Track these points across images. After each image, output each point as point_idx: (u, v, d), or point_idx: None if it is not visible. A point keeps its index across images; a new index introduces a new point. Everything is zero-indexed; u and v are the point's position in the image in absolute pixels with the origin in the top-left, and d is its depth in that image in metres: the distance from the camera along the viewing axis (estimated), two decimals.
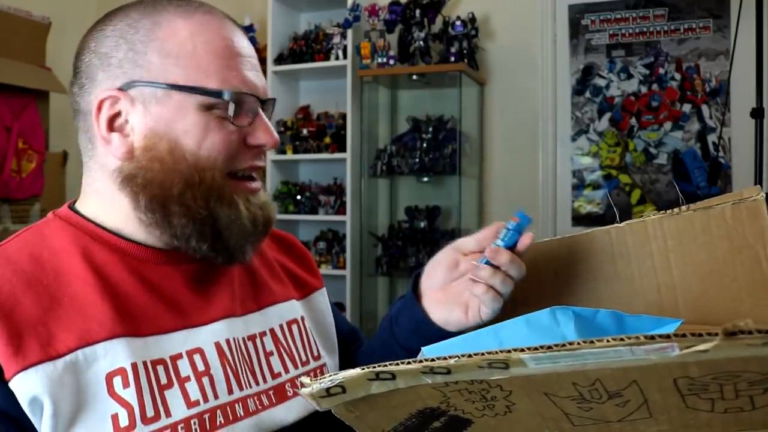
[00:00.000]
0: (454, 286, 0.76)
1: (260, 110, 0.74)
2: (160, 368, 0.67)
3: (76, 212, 0.74)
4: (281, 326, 0.81)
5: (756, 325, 0.37)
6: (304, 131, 3.18)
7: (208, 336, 0.72)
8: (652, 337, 0.40)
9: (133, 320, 0.67)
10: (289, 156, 3.19)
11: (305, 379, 0.52)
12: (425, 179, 3.11)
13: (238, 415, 0.70)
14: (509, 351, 0.44)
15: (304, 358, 0.81)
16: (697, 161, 2.87)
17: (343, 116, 3.14)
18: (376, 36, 2.99)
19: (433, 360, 0.47)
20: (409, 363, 0.48)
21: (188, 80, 0.69)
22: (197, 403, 0.68)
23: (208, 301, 0.74)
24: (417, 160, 2.99)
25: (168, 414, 0.65)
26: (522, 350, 0.44)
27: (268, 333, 0.79)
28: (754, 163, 2.10)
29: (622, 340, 0.41)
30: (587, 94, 3.02)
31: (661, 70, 2.92)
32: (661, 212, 0.70)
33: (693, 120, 2.88)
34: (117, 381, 0.63)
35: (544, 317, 0.61)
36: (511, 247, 0.72)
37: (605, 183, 2.99)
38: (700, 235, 0.69)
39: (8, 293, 0.63)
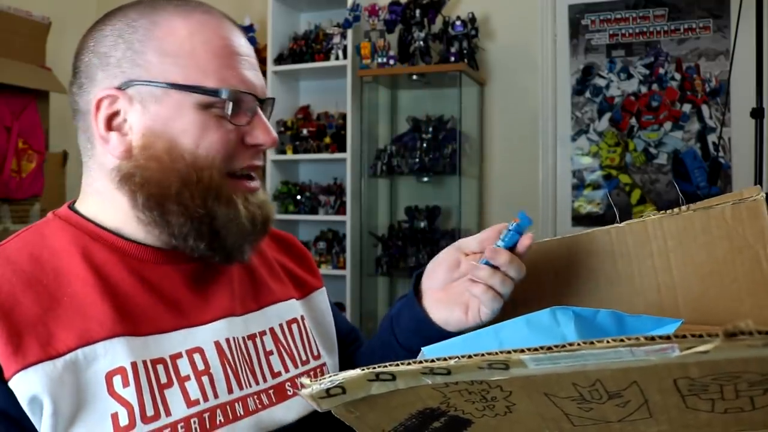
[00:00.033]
0: (454, 286, 0.76)
1: (258, 109, 0.74)
2: (160, 367, 0.67)
3: (76, 212, 0.74)
4: (281, 326, 0.81)
5: (756, 326, 0.37)
6: (304, 131, 3.18)
7: (208, 335, 0.72)
8: (653, 338, 0.40)
9: (133, 320, 0.67)
10: (289, 156, 3.19)
11: (305, 380, 0.52)
12: (425, 179, 3.11)
13: (238, 414, 0.71)
14: (509, 352, 0.44)
15: (304, 358, 0.81)
16: (697, 161, 2.87)
17: (343, 116, 3.14)
18: (376, 36, 2.99)
19: (433, 361, 0.47)
20: (409, 364, 0.48)
21: (186, 79, 0.69)
22: (197, 402, 0.68)
23: (208, 300, 0.74)
24: (417, 160, 2.99)
25: (168, 413, 0.65)
26: (522, 351, 0.44)
27: (267, 332, 0.79)
28: (754, 163, 2.10)
29: (622, 341, 0.41)
30: (587, 94, 3.02)
31: (661, 70, 2.92)
32: (662, 212, 0.70)
33: (693, 120, 2.88)
34: (117, 380, 0.63)
35: (545, 317, 0.61)
36: (511, 248, 0.72)
37: (605, 183, 2.99)
38: (700, 235, 0.69)
39: (8, 293, 0.63)
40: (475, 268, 0.73)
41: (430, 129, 3.01)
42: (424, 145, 3.00)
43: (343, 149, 3.09)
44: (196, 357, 0.70)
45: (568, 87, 3.04)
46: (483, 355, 0.45)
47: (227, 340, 0.73)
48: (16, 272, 0.66)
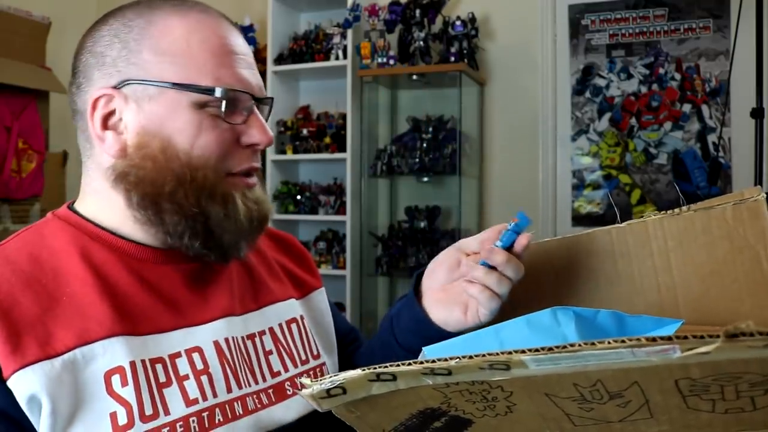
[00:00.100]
0: (454, 286, 0.76)
1: (255, 108, 0.74)
2: (159, 367, 0.67)
3: (75, 212, 0.74)
4: (280, 325, 0.81)
5: (757, 327, 0.37)
6: (304, 131, 3.18)
7: (207, 335, 0.72)
8: (654, 339, 0.40)
9: (132, 319, 0.67)
10: (289, 156, 3.19)
11: (305, 380, 0.52)
12: (425, 179, 3.11)
13: (237, 414, 0.71)
14: (510, 352, 0.44)
15: (303, 357, 0.81)
16: (697, 161, 2.87)
17: (343, 116, 3.14)
18: (376, 36, 2.99)
19: (433, 361, 0.47)
20: (409, 364, 0.48)
21: (181, 78, 0.69)
22: (196, 401, 0.68)
23: (207, 300, 0.74)
24: (417, 160, 2.99)
25: (167, 412, 0.65)
26: (523, 352, 0.44)
27: (267, 332, 0.79)
28: (754, 163, 2.10)
29: (623, 341, 0.41)
30: (587, 94, 3.02)
31: (661, 70, 2.92)
32: (662, 212, 0.70)
33: (693, 120, 2.88)
34: (115, 379, 0.63)
35: (545, 317, 0.61)
36: (509, 248, 0.72)
37: (605, 183, 2.99)
38: (700, 235, 0.69)
39: (7, 293, 0.63)
40: (471, 269, 0.73)
41: (430, 129, 3.01)
42: (424, 145, 3.00)
43: (343, 149, 3.09)
44: (195, 356, 0.70)
45: (568, 87, 3.04)
46: (484, 355, 0.45)
47: (226, 340, 0.73)
48: (16, 272, 0.66)
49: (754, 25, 2.12)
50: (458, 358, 0.46)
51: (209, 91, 0.69)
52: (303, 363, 0.81)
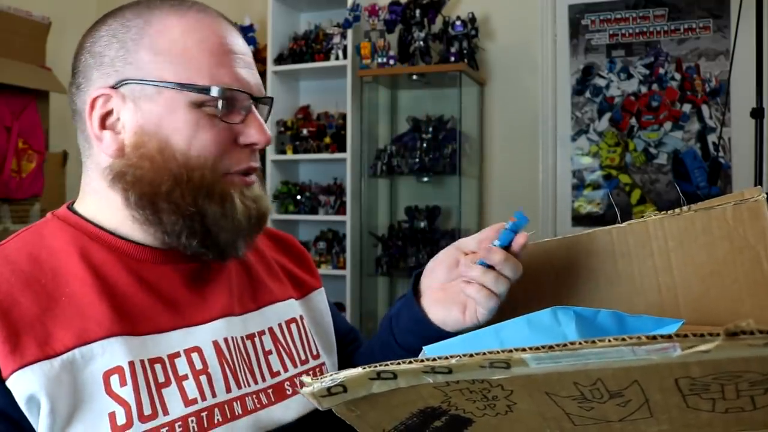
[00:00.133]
0: (453, 285, 0.76)
1: (253, 108, 0.73)
2: (158, 367, 0.67)
3: (75, 212, 0.74)
4: (280, 325, 0.81)
5: (757, 326, 0.37)
6: (304, 131, 3.18)
7: (207, 335, 0.72)
8: (654, 338, 0.40)
9: (131, 319, 0.67)
10: (289, 156, 3.19)
11: (306, 379, 0.52)
12: (425, 179, 3.11)
13: (236, 414, 0.70)
14: (511, 351, 0.44)
15: (303, 357, 0.81)
16: (697, 161, 2.87)
17: (343, 116, 3.14)
18: (376, 36, 2.99)
19: (434, 359, 0.47)
20: (410, 362, 0.48)
21: (178, 77, 0.69)
22: (195, 401, 0.68)
23: (206, 300, 0.74)
24: (417, 160, 2.99)
25: (165, 412, 0.65)
26: (523, 350, 0.44)
27: (266, 332, 0.79)
28: (754, 163, 2.10)
29: (623, 340, 0.41)
30: (587, 94, 3.02)
31: (661, 70, 2.92)
32: (662, 212, 0.70)
33: (693, 120, 2.88)
34: (114, 379, 0.63)
35: (546, 317, 0.61)
36: (507, 247, 0.72)
37: (605, 183, 2.99)
38: (701, 235, 0.69)
39: (6, 293, 0.64)
40: (469, 268, 0.73)
41: (430, 129, 3.01)
42: (424, 145, 3.00)
43: (343, 149, 3.09)
44: (194, 356, 0.70)
45: (568, 87, 3.04)
46: (484, 353, 0.45)
47: (225, 340, 0.73)
48: (15, 272, 0.66)
49: (754, 25, 2.12)
50: (459, 356, 0.46)
51: (206, 90, 0.69)
52: (302, 363, 0.81)
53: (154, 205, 0.69)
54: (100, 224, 0.72)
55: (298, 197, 3.22)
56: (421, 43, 2.94)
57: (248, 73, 0.73)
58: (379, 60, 2.97)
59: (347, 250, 3.06)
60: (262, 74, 3.17)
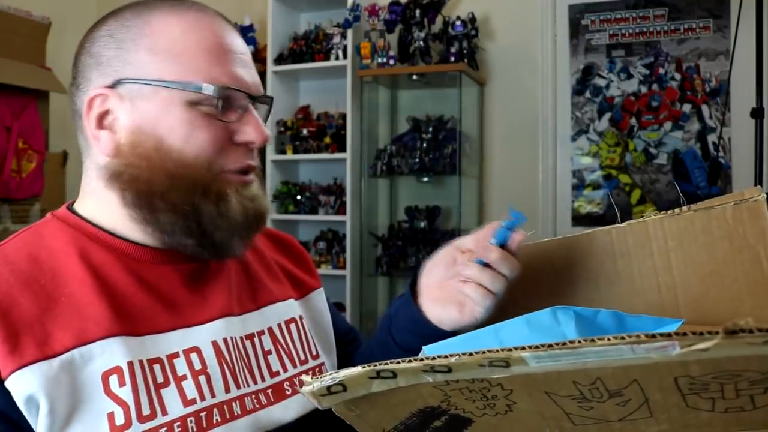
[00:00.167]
0: (450, 284, 0.75)
1: (251, 107, 0.73)
2: (157, 367, 0.67)
3: (74, 213, 0.74)
4: (279, 325, 0.81)
5: (757, 324, 0.37)
6: (304, 131, 3.19)
7: (206, 335, 0.72)
8: (653, 336, 0.40)
9: (130, 320, 0.67)
10: (289, 156, 3.19)
11: (306, 378, 0.52)
12: (425, 179, 3.11)
13: (235, 414, 0.70)
14: (510, 349, 0.44)
15: (302, 357, 0.81)
16: (697, 161, 2.87)
17: (343, 116, 3.14)
18: (376, 36, 2.99)
19: (434, 358, 0.47)
20: (410, 361, 0.48)
21: (175, 76, 0.69)
22: (194, 401, 0.68)
23: (206, 300, 0.74)
24: (417, 160, 2.99)
25: (164, 412, 0.65)
26: (523, 348, 0.44)
27: (266, 332, 0.79)
28: (754, 163, 2.10)
29: (623, 338, 0.41)
30: (587, 94, 3.02)
31: (661, 70, 2.92)
32: (662, 212, 0.70)
33: (693, 120, 2.88)
34: (113, 379, 0.63)
35: (545, 317, 0.61)
36: (504, 245, 0.72)
37: (605, 183, 2.99)
38: (700, 235, 0.69)
39: (5, 293, 0.64)
40: (465, 267, 0.73)
41: (430, 129, 3.01)
42: (424, 145, 3.00)
43: (343, 149, 3.09)
44: (193, 357, 0.70)
45: (568, 87, 3.04)
46: (484, 352, 0.45)
47: (225, 340, 0.73)
48: (15, 272, 0.66)
49: (754, 25, 2.12)
50: (458, 355, 0.46)
51: (202, 89, 0.69)
52: (302, 363, 0.81)
53: (150, 204, 0.69)
54: (100, 224, 0.72)
55: (298, 197, 3.22)
56: (421, 43, 2.94)
57: (245, 72, 0.73)
58: (379, 60, 2.97)
59: (347, 250, 3.06)
60: (262, 74, 3.17)
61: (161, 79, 0.69)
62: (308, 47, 3.17)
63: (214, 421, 0.68)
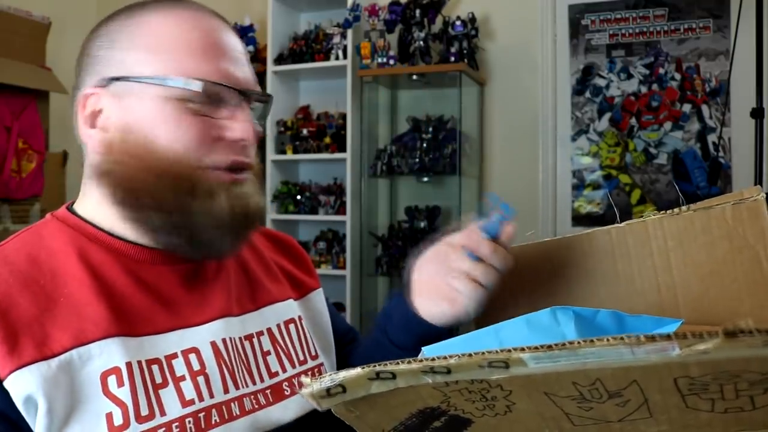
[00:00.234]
0: (442, 279, 0.75)
1: (243, 104, 0.72)
2: (155, 367, 0.67)
3: (74, 213, 0.74)
4: (278, 326, 0.81)
5: (756, 325, 0.37)
6: (304, 131, 3.19)
7: (204, 335, 0.72)
8: (653, 337, 0.40)
9: (129, 320, 0.67)
10: (289, 156, 3.19)
11: (305, 379, 0.52)
12: (425, 179, 3.11)
13: (234, 414, 0.70)
14: (509, 350, 0.44)
15: (301, 358, 0.81)
16: (697, 161, 2.87)
17: (343, 116, 3.14)
18: (376, 36, 2.99)
19: (433, 359, 0.47)
20: (409, 362, 0.48)
21: (163, 73, 0.69)
22: (192, 402, 0.67)
23: (204, 300, 0.74)
24: (417, 160, 2.99)
25: (162, 413, 0.65)
26: (522, 349, 0.44)
27: (265, 332, 0.79)
28: (754, 163, 2.10)
29: (622, 339, 0.41)
30: (587, 94, 3.02)
31: (661, 70, 2.92)
32: (662, 212, 0.70)
33: (693, 120, 2.88)
34: (111, 380, 0.63)
35: (545, 317, 0.61)
36: (495, 238, 0.72)
37: (605, 183, 2.99)
38: (700, 235, 0.69)
39: (4, 293, 0.64)
40: (456, 262, 0.73)
41: (430, 129, 3.01)
42: (424, 145, 3.00)
43: (343, 149, 3.09)
44: (192, 357, 0.70)
45: (568, 87, 3.04)
46: (483, 353, 0.45)
47: (224, 341, 0.73)
48: (14, 273, 0.66)
49: (754, 25, 2.12)
50: (457, 356, 0.46)
51: (190, 85, 0.69)
52: (301, 363, 0.81)
53: (138, 202, 0.69)
54: (98, 225, 0.72)
55: (298, 197, 3.22)
56: (421, 43, 2.94)
57: (237, 68, 0.72)
58: (379, 60, 2.97)
59: (347, 250, 3.06)
60: (262, 74, 3.17)
61: (150, 75, 0.69)
62: (308, 47, 3.17)
63: (213, 422, 0.68)
